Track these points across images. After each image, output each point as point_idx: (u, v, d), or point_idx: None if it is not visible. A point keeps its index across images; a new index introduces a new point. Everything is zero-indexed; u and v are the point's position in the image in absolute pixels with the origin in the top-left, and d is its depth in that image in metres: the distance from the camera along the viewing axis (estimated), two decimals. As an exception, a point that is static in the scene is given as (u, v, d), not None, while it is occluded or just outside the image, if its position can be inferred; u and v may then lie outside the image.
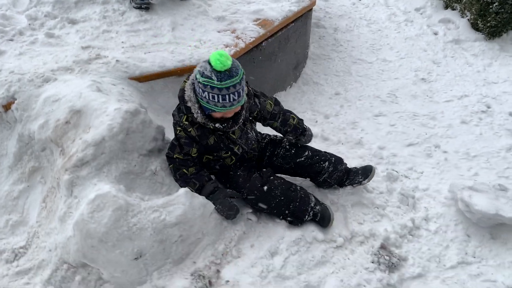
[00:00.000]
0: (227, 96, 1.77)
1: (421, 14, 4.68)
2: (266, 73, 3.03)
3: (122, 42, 2.55)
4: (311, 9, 3.33)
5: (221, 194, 2.07)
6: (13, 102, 2.13)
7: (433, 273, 2.13)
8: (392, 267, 2.11)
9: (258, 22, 2.90)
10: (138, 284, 1.87)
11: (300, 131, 2.28)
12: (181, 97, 1.92)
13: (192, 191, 1.99)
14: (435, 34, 4.35)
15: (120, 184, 1.90)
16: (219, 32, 2.76)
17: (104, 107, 1.97)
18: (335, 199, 2.37)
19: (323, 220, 2.17)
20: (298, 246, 2.09)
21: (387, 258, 2.14)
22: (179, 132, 1.98)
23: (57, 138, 2.00)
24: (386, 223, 2.31)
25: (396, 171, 2.68)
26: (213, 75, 1.73)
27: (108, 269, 1.82)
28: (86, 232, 1.75)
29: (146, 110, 2.11)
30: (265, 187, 2.11)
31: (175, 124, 2.01)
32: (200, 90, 1.79)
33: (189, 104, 1.89)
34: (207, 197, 2.05)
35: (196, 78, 1.80)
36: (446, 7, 4.64)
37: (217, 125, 1.92)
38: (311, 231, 2.19)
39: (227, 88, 1.75)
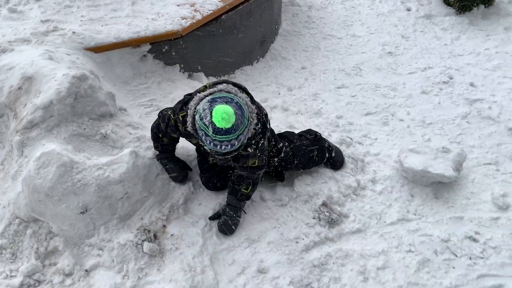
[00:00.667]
0: (218, 146, 1.71)
1: (396, -9, 4.72)
2: (228, 47, 3.13)
3: (82, 16, 2.66)
4: (275, -16, 3.40)
5: (174, 159, 2.18)
6: (-29, 71, 2.26)
7: (373, 229, 2.24)
8: (332, 223, 2.22)
9: (218, -4, 2.99)
10: (86, 237, 1.99)
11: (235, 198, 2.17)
12: (187, 102, 1.90)
13: (154, 147, 2.13)
14: (408, 10, 4.41)
15: (68, 145, 2.03)
16: (178, 6, 2.86)
17: (53, 73, 2.09)
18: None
19: None
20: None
21: (327, 214, 2.25)
22: (171, 119, 1.97)
23: (10, 103, 2.12)
24: (332, 184, 2.42)
25: (350, 138, 2.78)
26: (210, 126, 1.66)
27: (56, 223, 1.95)
28: (33, 187, 1.88)
29: (98, 77, 2.23)
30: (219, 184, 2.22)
31: (173, 110, 1.99)
32: (197, 125, 1.73)
33: (188, 128, 1.84)
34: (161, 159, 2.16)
35: (196, 114, 1.74)
36: (421, -16, 4.68)
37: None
38: (258, 191, 2.31)
39: (221, 141, 1.69)
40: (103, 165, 1.98)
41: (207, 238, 2.08)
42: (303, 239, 2.13)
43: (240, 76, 3.31)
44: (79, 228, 1.97)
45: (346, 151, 2.65)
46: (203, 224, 2.12)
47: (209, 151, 1.80)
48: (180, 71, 2.85)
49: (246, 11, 3.17)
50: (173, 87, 2.75)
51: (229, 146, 1.71)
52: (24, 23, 2.55)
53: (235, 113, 1.67)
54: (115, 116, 2.27)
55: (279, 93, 3.20)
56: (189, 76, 2.91)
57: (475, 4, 4.15)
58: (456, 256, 2.13)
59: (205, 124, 1.67)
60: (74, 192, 1.91)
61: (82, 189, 1.92)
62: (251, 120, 1.80)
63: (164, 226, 2.10)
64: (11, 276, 1.90)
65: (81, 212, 1.95)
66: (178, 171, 2.19)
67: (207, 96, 1.77)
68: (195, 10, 2.83)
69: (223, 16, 2.96)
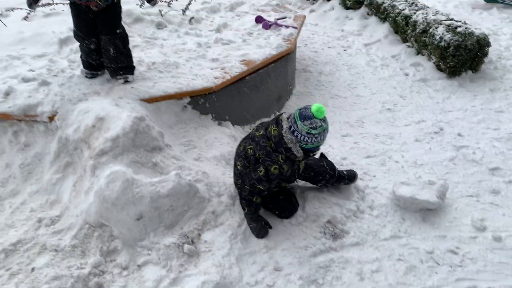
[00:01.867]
0: (321, 137, 2.38)
1: (396, 60, 5.46)
2: (250, 102, 3.80)
3: (137, 75, 3.39)
4: (289, 54, 4.13)
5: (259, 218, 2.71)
6: (56, 115, 2.95)
7: (369, 243, 2.71)
8: (335, 236, 2.71)
9: (243, 62, 3.72)
10: (139, 240, 2.53)
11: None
12: (279, 141, 2.41)
13: (247, 213, 2.66)
14: (406, 75, 5.10)
15: (129, 168, 2.63)
16: (211, 69, 3.58)
17: (119, 115, 2.76)
18: (301, 193, 3.02)
19: None
20: (262, 221, 2.74)
21: (331, 229, 2.74)
22: (274, 169, 2.44)
23: (86, 138, 2.77)
24: (337, 208, 2.93)
25: (352, 174, 3.32)
26: (313, 122, 2.33)
27: (118, 227, 2.51)
28: (103, 198, 2.47)
29: (151, 120, 2.88)
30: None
31: (270, 164, 2.44)
32: (300, 130, 2.34)
33: (290, 145, 2.39)
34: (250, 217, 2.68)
35: (299, 128, 2.35)
36: (417, 54, 5.42)
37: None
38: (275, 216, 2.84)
39: (323, 131, 2.37)
40: (155, 182, 2.56)
41: (233, 243, 2.59)
42: (311, 247, 2.62)
43: (260, 126, 3.94)
44: (135, 232, 2.52)
45: (348, 184, 3.18)
46: (230, 233, 2.63)
47: (311, 150, 2.47)
48: (212, 119, 3.50)
49: (265, 74, 3.88)
50: (206, 132, 3.39)
51: (326, 135, 2.41)
52: (94, 80, 3.28)
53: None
54: (163, 150, 2.89)
55: (293, 140, 3.81)
56: (219, 123, 3.56)
57: (463, 70, 4.82)
58: (439, 264, 2.58)
59: (309, 123, 2.32)
60: (133, 202, 2.48)
61: (139, 200, 2.50)
62: None
63: (199, 234, 2.63)
64: (81, 267, 2.42)
65: (137, 219, 2.51)
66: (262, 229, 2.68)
67: (290, 117, 2.46)
68: (225, 72, 3.54)
69: (247, 77, 3.67)
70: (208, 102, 3.43)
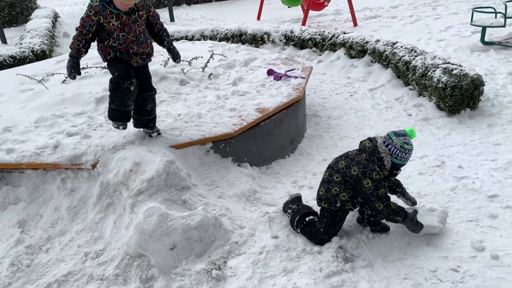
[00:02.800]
0: (411, 153, 2.99)
1: (400, 102, 5.89)
2: (266, 145, 4.23)
3: (165, 126, 3.87)
4: (298, 101, 4.60)
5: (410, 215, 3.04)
6: (97, 163, 3.41)
7: (378, 265, 3.01)
8: (346, 260, 3.02)
9: (258, 110, 4.19)
10: (173, 268, 2.88)
11: None
12: (373, 151, 2.94)
13: (404, 219, 3.02)
14: (409, 115, 5.50)
15: (162, 205, 3.04)
16: (230, 117, 4.05)
17: (153, 159, 3.20)
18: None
19: None
20: (278, 249, 3.07)
21: (343, 253, 3.06)
22: (376, 175, 2.88)
23: (124, 181, 3.21)
24: (348, 235, 3.26)
25: (361, 206, 3.65)
26: (408, 142, 2.94)
27: (154, 256, 2.87)
28: (141, 230, 2.86)
29: (179, 162, 3.31)
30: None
31: (370, 172, 2.88)
32: (398, 147, 2.90)
33: (382, 155, 2.92)
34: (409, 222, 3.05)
35: (394, 142, 2.91)
36: (419, 95, 5.84)
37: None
38: (294, 241, 3.17)
39: (412, 148, 2.98)
40: (186, 216, 2.95)
41: (255, 268, 2.92)
42: (325, 269, 2.92)
43: (275, 166, 4.34)
44: (169, 260, 2.88)
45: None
46: (252, 260, 2.97)
47: (397, 166, 3.01)
48: (232, 161, 3.92)
49: (278, 120, 4.33)
50: (227, 172, 3.81)
51: (410, 157, 3.03)
52: (129, 131, 3.77)
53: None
54: (190, 189, 3.30)
55: (306, 177, 4.19)
56: (238, 165, 3.97)
57: (462, 108, 5.20)
58: (441, 281, 2.85)
59: (403, 139, 2.90)
60: (167, 234, 2.87)
61: (172, 232, 2.88)
62: None
63: (225, 261, 2.97)
64: (123, 293, 2.78)
65: (171, 249, 2.88)
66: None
67: (383, 137, 3.02)
68: (242, 119, 4.00)
69: (261, 123, 4.12)
70: (228, 146, 3.87)
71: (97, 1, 3.20)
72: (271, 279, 2.87)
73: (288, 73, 5.15)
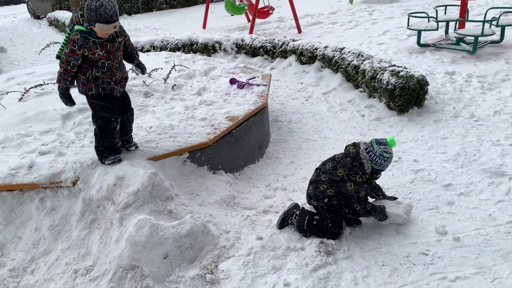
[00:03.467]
0: (391, 160, 3.26)
1: (352, 104, 6.27)
2: (238, 151, 4.39)
3: (140, 139, 3.92)
4: (264, 108, 4.81)
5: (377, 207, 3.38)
6: (78, 179, 3.40)
7: (357, 255, 3.26)
8: (328, 253, 3.24)
9: (228, 118, 4.34)
10: (167, 276, 2.96)
11: None
12: (355, 157, 3.22)
13: (374, 215, 3.37)
14: (363, 116, 5.88)
15: (151, 216, 3.10)
16: (202, 127, 4.17)
17: (136, 172, 3.26)
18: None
19: None
20: (264, 249, 3.24)
21: (325, 247, 3.28)
22: (359, 178, 3.19)
23: (109, 195, 3.24)
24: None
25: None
26: (387, 150, 3.19)
27: (148, 267, 2.94)
28: (134, 242, 2.91)
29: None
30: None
31: (354, 175, 3.19)
32: (378, 155, 3.17)
33: (363, 161, 3.18)
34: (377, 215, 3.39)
35: (374, 150, 3.18)
36: (369, 97, 6.25)
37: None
38: (278, 241, 3.36)
39: (390, 159, 3.23)
40: (176, 225, 3.05)
41: (246, 269, 3.07)
42: (311, 264, 3.13)
43: (247, 172, 4.51)
44: (162, 269, 2.96)
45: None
46: (242, 261, 3.12)
47: (377, 171, 3.31)
48: (207, 169, 4.04)
49: (247, 127, 4.50)
50: (205, 180, 3.93)
51: (389, 164, 3.28)
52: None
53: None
54: (174, 199, 3.39)
55: (278, 180, 4.39)
56: (214, 172, 4.10)
57: (410, 107, 5.65)
58: (415, 264, 3.15)
59: (383, 147, 3.16)
60: (159, 243, 2.94)
61: (164, 241, 2.96)
62: None
63: (216, 265, 3.09)
64: (120, 305, 2.82)
65: (164, 258, 2.96)
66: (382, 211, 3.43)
67: (366, 143, 3.29)
68: (215, 128, 4.14)
69: (233, 131, 4.28)
70: (203, 155, 3.99)
71: (77, 34, 3.13)
72: (262, 277, 3.04)
73: (250, 81, 5.34)
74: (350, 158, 3.28)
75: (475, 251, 3.22)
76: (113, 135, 3.49)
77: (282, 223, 3.45)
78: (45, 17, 17.85)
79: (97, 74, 3.29)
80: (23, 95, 5.15)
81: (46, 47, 6.74)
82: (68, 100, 3.40)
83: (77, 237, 3.26)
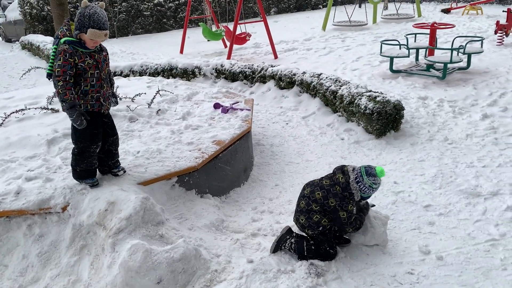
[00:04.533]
0: (378, 188, 3.40)
1: (331, 127, 6.45)
2: (224, 175, 4.45)
3: (128, 164, 3.93)
4: (248, 132, 4.91)
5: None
6: (68, 205, 3.38)
7: (346, 275, 3.34)
8: (318, 275, 3.31)
9: (214, 142, 4.41)
10: (160, 301, 2.96)
11: None
12: (345, 187, 3.31)
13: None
14: (342, 139, 6.06)
15: (143, 241, 3.11)
16: (190, 151, 4.22)
17: (127, 197, 3.28)
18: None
19: None
20: (255, 272, 3.28)
21: (314, 269, 3.35)
22: (351, 207, 3.32)
23: (100, 221, 3.23)
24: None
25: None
26: (376, 180, 3.33)
27: (141, 292, 2.93)
28: (128, 268, 2.91)
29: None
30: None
31: (346, 205, 3.30)
32: (365, 183, 3.29)
33: (353, 191, 3.28)
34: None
35: (364, 181, 3.29)
36: (347, 121, 6.45)
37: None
38: (269, 263, 3.40)
39: (379, 185, 3.37)
40: (169, 249, 3.06)
41: (239, 292, 3.11)
42: (302, 286, 3.18)
43: (233, 195, 4.56)
44: (156, 294, 2.95)
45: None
46: (234, 285, 3.14)
47: (365, 198, 3.43)
48: (195, 193, 4.08)
49: (233, 150, 4.58)
50: (193, 204, 3.96)
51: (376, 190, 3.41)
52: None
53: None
54: (165, 223, 3.41)
55: (264, 203, 4.46)
56: (201, 196, 4.14)
57: (387, 130, 5.87)
58: (401, 284, 3.25)
59: (373, 179, 3.30)
60: (153, 268, 2.95)
61: (158, 266, 2.97)
62: None
63: (209, 289, 3.12)
64: (114, 332, 2.79)
65: (158, 283, 2.96)
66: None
67: (355, 169, 3.39)
68: (202, 152, 4.20)
69: (220, 155, 4.34)
70: (192, 179, 4.03)
71: (65, 44, 3.21)
72: (255, 299, 3.07)
73: (233, 105, 5.45)
74: (340, 188, 3.35)
75: (458, 269, 3.36)
76: (91, 160, 3.54)
77: (276, 249, 3.50)
78: (18, 41, 17.62)
79: (86, 88, 3.33)
80: (4, 120, 5.08)
81: (27, 71, 6.69)
82: (81, 116, 3.29)
83: (66, 264, 3.22)
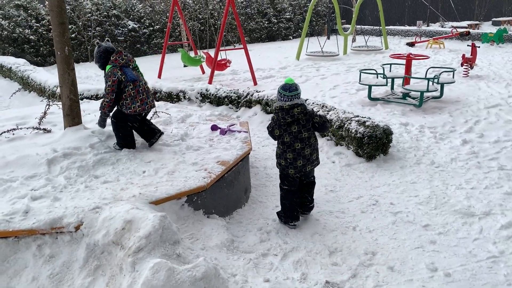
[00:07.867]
0: (289, 99, 3.99)
1: (321, 151, 6.57)
2: (228, 195, 4.45)
3: (137, 183, 3.87)
4: (248, 153, 4.95)
5: None
6: (81, 224, 3.28)
7: (361, 293, 3.40)
8: (335, 292, 3.36)
9: (219, 162, 4.42)
10: (183, 321, 2.89)
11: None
12: (303, 111, 4.05)
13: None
14: (333, 162, 6.19)
15: (162, 259, 3.05)
16: (196, 171, 4.21)
17: (145, 215, 3.22)
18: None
19: None
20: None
21: (331, 287, 3.39)
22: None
23: (117, 240, 3.15)
24: (330, 272, 3.60)
25: (326, 244, 4.06)
26: (282, 87, 4.01)
27: (165, 312, 2.86)
28: (151, 287, 2.84)
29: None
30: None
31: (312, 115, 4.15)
32: (278, 93, 4.03)
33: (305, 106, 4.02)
34: None
35: (278, 91, 4.02)
36: (336, 145, 6.62)
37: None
38: (285, 283, 3.41)
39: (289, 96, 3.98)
40: (190, 268, 3.02)
41: (261, 311, 3.09)
42: (321, 303, 3.22)
43: (236, 216, 4.55)
44: (179, 314, 2.89)
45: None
46: (256, 303, 3.13)
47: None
48: (203, 213, 4.05)
49: (237, 171, 4.60)
50: (202, 225, 3.92)
51: (288, 98, 3.98)
52: (104, 191, 3.69)
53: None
54: (181, 242, 3.36)
55: (268, 224, 4.47)
56: (208, 216, 4.11)
57: (377, 154, 6.06)
58: (416, 299, 3.34)
59: (281, 86, 4.00)
60: (176, 287, 2.89)
61: (181, 285, 2.91)
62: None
63: (230, 309, 3.08)
64: None
65: (181, 302, 2.90)
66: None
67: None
68: (209, 172, 4.20)
69: (225, 175, 4.36)
70: (200, 199, 4.01)
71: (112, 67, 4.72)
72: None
73: (230, 127, 5.49)
74: (302, 115, 4.07)
75: (466, 285, 3.49)
76: (129, 133, 4.88)
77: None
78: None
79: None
80: (-6, 139, 4.90)
81: (14, 93, 6.51)
82: (104, 121, 4.95)
83: (80, 285, 3.10)
